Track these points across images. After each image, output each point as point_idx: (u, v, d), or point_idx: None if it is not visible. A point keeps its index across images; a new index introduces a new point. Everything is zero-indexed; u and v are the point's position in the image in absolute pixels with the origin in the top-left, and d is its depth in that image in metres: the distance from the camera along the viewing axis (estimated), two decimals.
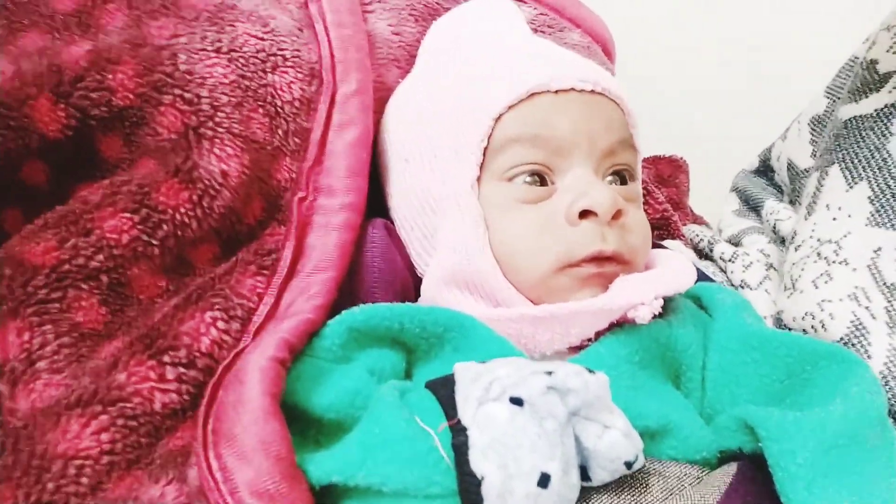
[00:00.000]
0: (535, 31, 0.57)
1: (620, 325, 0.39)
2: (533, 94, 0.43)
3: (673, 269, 0.43)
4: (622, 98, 0.46)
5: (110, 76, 0.40)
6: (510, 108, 0.43)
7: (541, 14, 0.58)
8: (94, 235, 0.37)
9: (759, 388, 0.39)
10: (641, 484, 0.33)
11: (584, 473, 0.32)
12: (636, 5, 0.86)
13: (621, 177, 0.45)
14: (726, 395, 0.40)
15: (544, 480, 0.30)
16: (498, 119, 0.43)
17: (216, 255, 0.41)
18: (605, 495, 0.33)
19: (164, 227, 0.38)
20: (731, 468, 0.34)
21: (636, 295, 0.39)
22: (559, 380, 0.31)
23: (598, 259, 0.41)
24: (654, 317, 0.39)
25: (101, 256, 0.37)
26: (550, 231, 0.41)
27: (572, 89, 0.44)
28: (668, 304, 0.41)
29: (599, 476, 0.32)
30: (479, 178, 0.43)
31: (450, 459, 0.31)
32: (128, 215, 0.38)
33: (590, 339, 0.40)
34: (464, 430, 0.31)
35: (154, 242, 0.38)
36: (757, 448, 0.35)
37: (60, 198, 0.41)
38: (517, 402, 0.31)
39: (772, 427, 0.34)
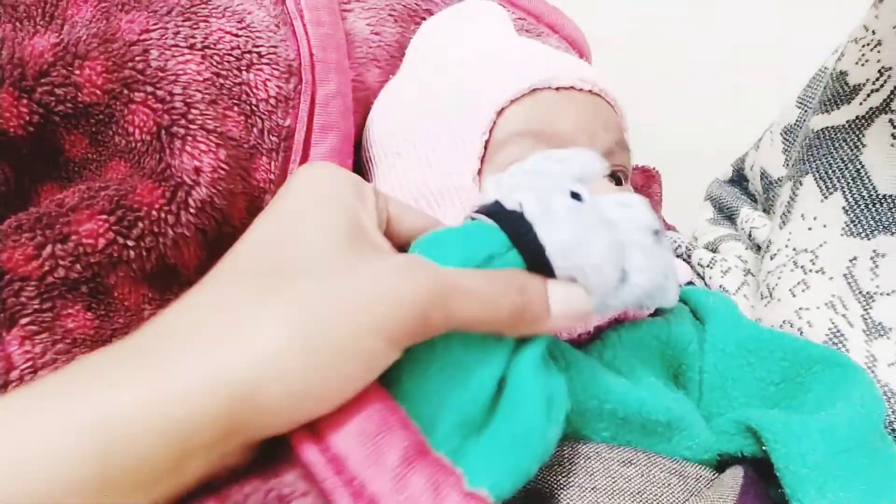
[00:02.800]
0: None
1: (621, 322, 0.39)
2: (535, 90, 0.43)
3: None
4: (616, 100, 0.46)
5: (77, 71, 0.38)
6: (512, 102, 0.43)
7: (519, 18, 0.58)
8: (72, 242, 0.35)
9: (755, 392, 0.39)
10: (664, 483, 0.33)
11: (622, 274, 0.31)
12: (609, 15, 0.87)
13: (616, 178, 0.45)
14: (723, 398, 0.40)
15: (576, 196, 0.30)
16: (500, 113, 0.42)
17: (202, 262, 0.39)
18: (629, 495, 0.33)
19: (140, 224, 0.36)
20: (739, 471, 0.34)
21: None
22: (551, 153, 0.34)
23: None
24: (653, 314, 0.39)
25: (78, 266, 0.35)
26: None
27: (572, 87, 0.44)
28: None
29: (633, 258, 0.30)
30: (479, 172, 0.42)
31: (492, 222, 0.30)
32: (104, 217, 0.36)
33: (589, 334, 0.39)
34: (489, 204, 0.31)
35: (130, 244, 0.36)
36: (757, 452, 0.35)
37: (21, 199, 0.39)
38: (528, 173, 0.32)
39: (779, 430, 0.33)
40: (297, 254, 0.26)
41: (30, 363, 0.32)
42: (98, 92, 0.38)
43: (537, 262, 0.29)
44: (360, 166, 0.51)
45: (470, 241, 0.30)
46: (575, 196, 0.30)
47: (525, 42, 0.51)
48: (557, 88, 0.43)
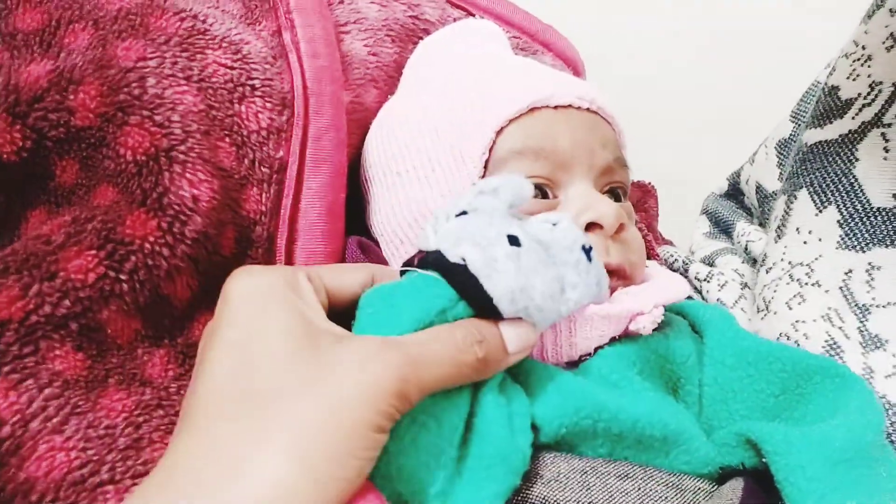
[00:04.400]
0: None
1: (619, 338, 0.39)
2: (533, 109, 0.43)
3: (666, 279, 0.44)
4: (614, 117, 0.47)
5: (71, 97, 0.38)
6: (511, 121, 0.43)
7: (514, 37, 0.59)
8: (59, 278, 0.34)
9: (755, 404, 0.39)
10: (662, 497, 0.33)
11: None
12: (603, 30, 0.87)
13: (615, 194, 0.46)
14: (723, 410, 0.40)
15: (514, 240, 0.32)
16: (499, 132, 0.43)
17: (195, 293, 0.39)
18: None
19: (132, 258, 0.36)
20: (739, 483, 0.34)
21: (635, 304, 0.39)
22: (483, 184, 0.36)
23: None
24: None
25: (67, 302, 0.34)
26: None
27: (570, 106, 0.44)
28: (664, 317, 0.41)
29: (567, 275, 0.34)
30: None
31: (437, 274, 0.32)
32: (93, 252, 0.35)
33: (589, 355, 0.39)
34: (432, 250, 0.33)
35: (122, 277, 0.36)
36: (758, 464, 0.35)
37: (10, 225, 0.39)
38: (462, 214, 0.34)
39: (778, 442, 0.33)
40: (263, 378, 0.27)
41: (18, 416, 0.31)
42: (91, 115, 0.38)
43: (487, 309, 0.31)
44: (357, 189, 0.51)
45: (421, 297, 0.31)
46: (513, 240, 0.32)
47: (523, 61, 0.52)
48: (556, 107, 0.44)
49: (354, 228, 0.49)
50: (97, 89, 0.38)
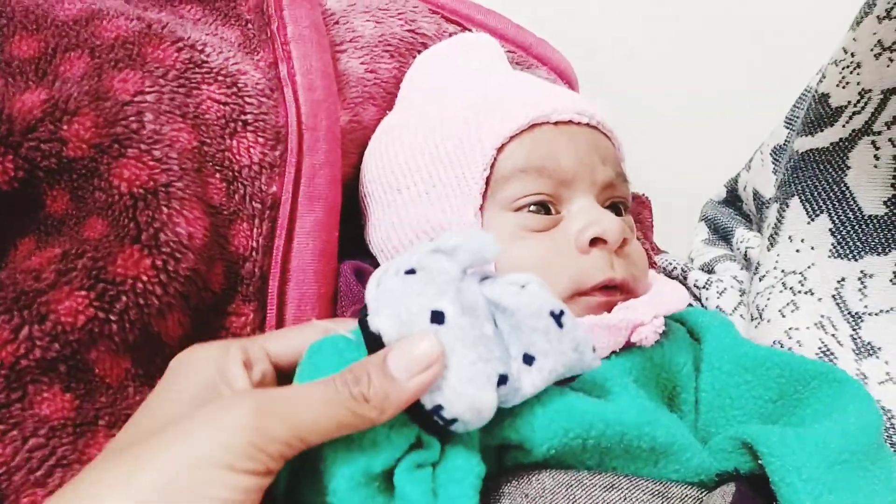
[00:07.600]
0: None
1: (618, 352, 0.39)
2: (533, 125, 0.43)
3: (666, 290, 0.44)
4: (613, 132, 0.47)
5: (65, 127, 0.38)
6: (512, 138, 0.43)
7: (509, 52, 0.59)
8: (49, 321, 0.34)
9: (752, 410, 0.39)
10: None
11: (528, 358, 0.32)
12: (596, 43, 0.88)
13: (616, 209, 0.46)
14: (720, 416, 0.40)
15: (438, 317, 0.30)
16: (500, 149, 0.43)
17: (186, 331, 0.39)
18: None
19: (123, 298, 0.36)
20: (730, 488, 0.34)
21: (635, 315, 0.39)
22: (441, 241, 0.32)
23: (608, 287, 0.41)
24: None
25: (56, 345, 0.34)
26: (560, 259, 0.41)
27: (570, 121, 0.44)
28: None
29: (536, 343, 0.31)
30: (481, 207, 0.43)
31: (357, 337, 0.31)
32: (83, 293, 0.35)
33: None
34: (364, 308, 0.32)
35: (112, 318, 0.36)
36: (754, 468, 0.35)
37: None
38: (410, 272, 0.31)
39: (773, 443, 0.33)
40: (149, 429, 0.29)
41: (3, 468, 0.31)
42: (84, 146, 0.38)
43: None
44: (356, 205, 0.51)
45: (337, 359, 0.31)
46: (436, 316, 0.30)
47: (520, 76, 0.52)
48: (556, 123, 0.44)
49: (354, 245, 0.49)
50: (92, 120, 0.38)
